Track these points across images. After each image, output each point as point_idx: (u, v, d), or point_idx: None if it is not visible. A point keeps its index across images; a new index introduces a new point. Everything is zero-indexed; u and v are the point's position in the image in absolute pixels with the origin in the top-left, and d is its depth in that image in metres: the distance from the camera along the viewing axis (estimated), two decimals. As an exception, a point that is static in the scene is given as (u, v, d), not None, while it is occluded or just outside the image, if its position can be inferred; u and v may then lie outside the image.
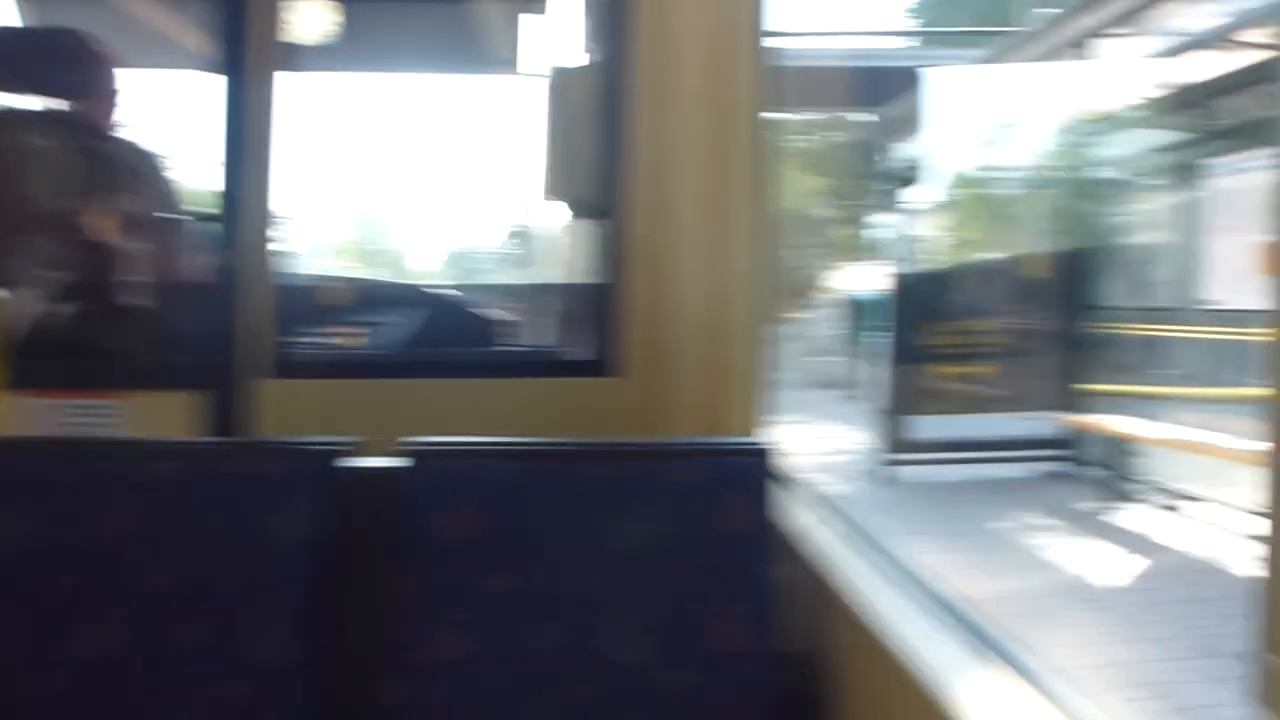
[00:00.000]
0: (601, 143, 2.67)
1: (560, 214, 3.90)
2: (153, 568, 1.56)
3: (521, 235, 3.90)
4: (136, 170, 2.99)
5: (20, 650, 1.52)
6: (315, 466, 1.62)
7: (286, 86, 2.64)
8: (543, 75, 3.72)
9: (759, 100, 2.34)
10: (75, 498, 1.58)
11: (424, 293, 3.86)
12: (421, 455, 1.65)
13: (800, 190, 19.38)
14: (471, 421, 1.83)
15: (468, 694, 1.55)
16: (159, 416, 2.53)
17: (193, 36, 3.69)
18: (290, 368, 2.63)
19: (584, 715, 1.54)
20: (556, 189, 3.10)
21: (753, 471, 1.62)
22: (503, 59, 3.91)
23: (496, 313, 3.24)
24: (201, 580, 1.57)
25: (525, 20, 3.85)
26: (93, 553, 1.56)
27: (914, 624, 1.41)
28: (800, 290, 18.23)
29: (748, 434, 2.13)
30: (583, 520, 1.59)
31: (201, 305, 2.67)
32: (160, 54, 3.85)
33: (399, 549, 1.59)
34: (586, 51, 3.35)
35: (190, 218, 3.04)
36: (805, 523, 1.77)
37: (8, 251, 2.82)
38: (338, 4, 3.20)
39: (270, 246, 2.62)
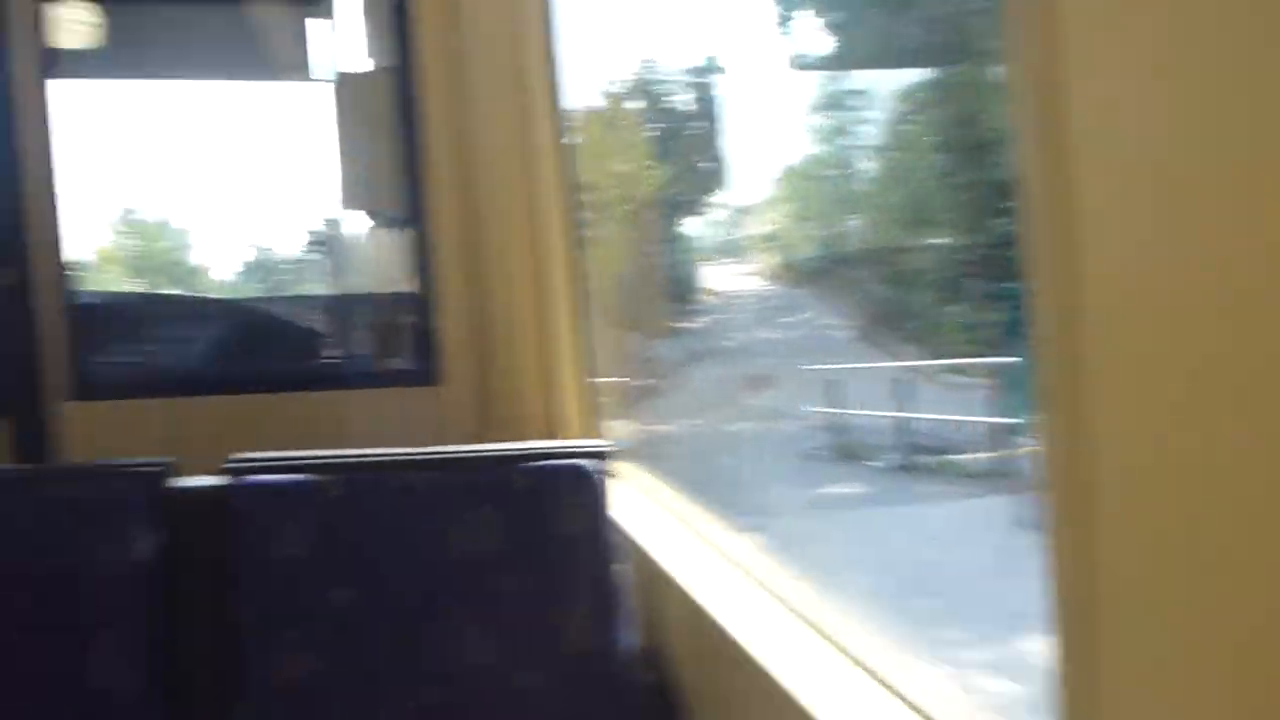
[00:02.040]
0: (397, 149, 2.66)
1: (364, 223, 3.86)
2: None
3: (326, 245, 3.81)
4: None
5: None
6: (138, 489, 1.58)
7: (63, 95, 2.53)
8: (331, 81, 3.67)
9: (557, 97, 2.39)
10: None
11: (233, 305, 3.74)
12: (248, 472, 1.63)
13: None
14: (293, 436, 1.81)
15: (317, 711, 1.55)
16: None
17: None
18: (94, 389, 2.52)
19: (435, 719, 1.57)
20: (354, 198, 3.07)
21: (589, 472, 1.66)
22: (292, 64, 3.82)
23: (310, 324, 3.18)
24: (29, 611, 1.51)
25: (312, 24, 3.77)
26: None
27: (744, 606, 1.49)
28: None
29: (583, 436, 2.19)
30: (420, 529, 1.60)
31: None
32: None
33: (233, 569, 1.57)
34: (371, 56, 3.33)
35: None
36: (643, 517, 1.83)
37: None
38: (110, 7, 3.07)
39: (60, 264, 2.51)
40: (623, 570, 1.67)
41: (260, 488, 1.60)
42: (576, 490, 1.64)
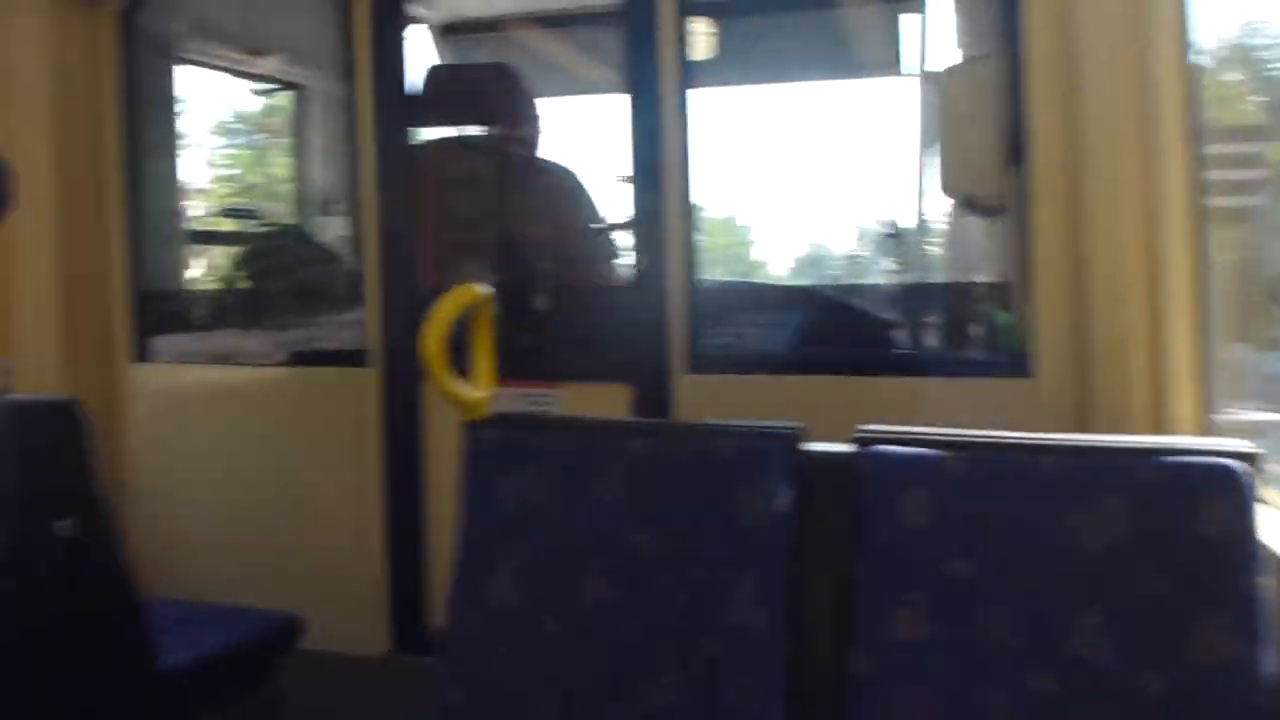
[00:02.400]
0: (997, 138, 2.64)
1: (942, 212, 3.89)
2: (636, 531, 1.75)
3: (903, 235, 3.91)
4: (562, 187, 3.31)
5: (534, 592, 1.77)
6: (778, 448, 1.75)
7: (692, 101, 2.84)
8: (926, 74, 3.74)
9: (1184, 66, 2.22)
10: (573, 467, 1.81)
11: (820, 293, 3.98)
12: (875, 442, 1.73)
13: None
14: (878, 419, 1.88)
15: (928, 674, 1.61)
16: (592, 406, 2.79)
17: (597, 65, 4.04)
18: (705, 363, 2.81)
19: (1045, 707, 1.55)
20: (950, 185, 3.10)
21: (1235, 472, 1.54)
22: (884, 61, 3.96)
23: (890, 311, 3.30)
24: (677, 545, 1.74)
25: (905, 21, 3.88)
26: (586, 515, 1.78)
27: None
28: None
29: (1196, 431, 2.05)
30: (1041, 513, 1.59)
31: (625, 307, 2.92)
32: (572, 82, 4.23)
33: (856, 530, 1.68)
34: (964, 48, 3.33)
35: (612, 227, 3.33)
36: None
37: (458, 262, 3.22)
38: (732, 21, 3.38)
39: (685, 252, 2.82)
40: (1267, 585, 1.53)
41: (888, 457, 1.70)
42: (1219, 490, 1.53)
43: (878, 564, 1.67)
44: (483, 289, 1.91)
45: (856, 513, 1.70)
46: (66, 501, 2.19)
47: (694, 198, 2.83)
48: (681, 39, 2.80)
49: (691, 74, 2.83)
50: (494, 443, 1.86)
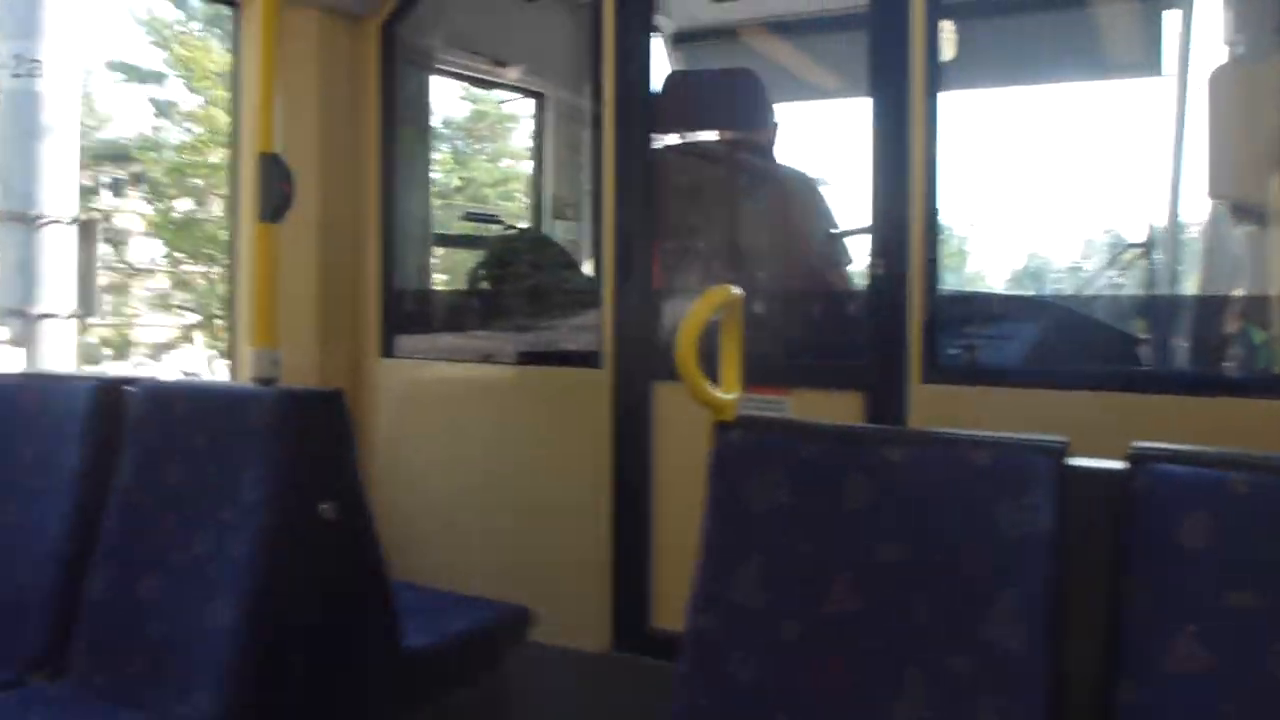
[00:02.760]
0: (1271, 141, 2.45)
1: (1198, 221, 3.64)
2: (884, 540, 1.70)
3: (1154, 244, 3.67)
4: (797, 192, 3.28)
5: (776, 597, 1.75)
6: (1044, 461, 1.66)
7: (935, 104, 2.74)
8: (1191, 74, 3.50)
9: None
10: (820, 472, 1.77)
11: (1064, 304, 3.80)
12: (1151, 461, 1.62)
13: None
14: (1123, 434, 1.75)
15: (1204, 710, 1.48)
16: (822, 412, 2.75)
17: (834, 69, 4.00)
18: (944, 373, 2.71)
19: None
20: (1217, 189, 2.89)
21: None
22: (1142, 61, 3.74)
23: (1139, 326, 3.10)
24: (928, 557, 1.67)
25: (1167, 19, 3.65)
26: (833, 521, 1.74)
27: None
28: None
29: None
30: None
31: (860, 313, 2.86)
32: (807, 87, 4.20)
33: (1127, 551, 1.57)
34: (1232, 46, 3.10)
35: (848, 233, 3.28)
36: None
37: (690, 267, 3.24)
38: (982, 22, 3.27)
39: (927, 259, 2.73)
40: None
41: (1168, 476, 1.58)
42: None
43: (1152, 589, 1.55)
44: (735, 291, 1.90)
45: (1129, 533, 1.59)
46: (329, 486, 2.32)
47: (939, 204, 2.74)
48: (931, 41, 2.71)
49: (940, 77, 2.74)
50: (741, 445, 1.85)
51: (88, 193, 24.24)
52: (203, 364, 21.13)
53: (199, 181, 22.79)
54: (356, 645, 2.43)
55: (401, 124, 3.63)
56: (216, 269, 23.08)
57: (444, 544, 3.39)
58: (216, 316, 23.40)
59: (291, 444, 2.27)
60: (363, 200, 3.59)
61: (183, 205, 23.46)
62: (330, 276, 3.53)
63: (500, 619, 2.93)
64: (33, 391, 2.73)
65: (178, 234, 23.67)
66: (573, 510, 3.19)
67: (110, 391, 2.62)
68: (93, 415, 2.60)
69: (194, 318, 24.01)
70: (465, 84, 4.36)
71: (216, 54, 22.43)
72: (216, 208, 23.02)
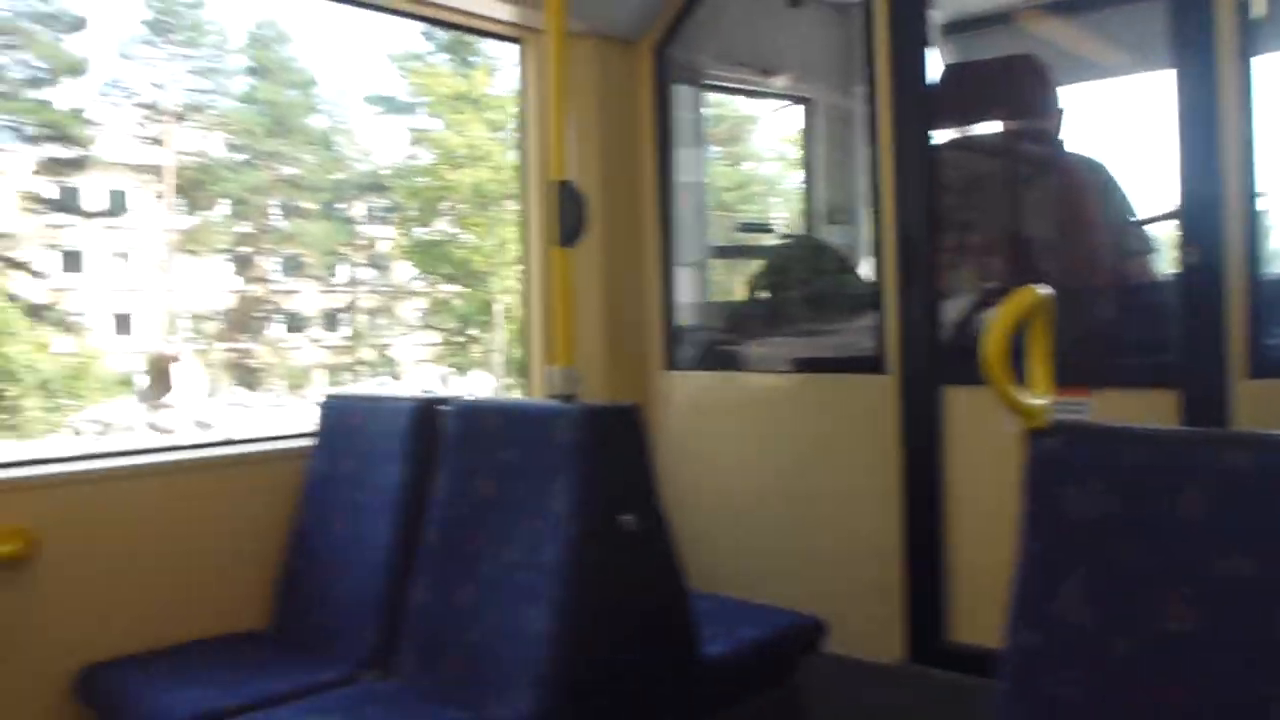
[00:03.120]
0: None
1: None
2: (1229, 554, 1.57)
3: None
4: (1089, 180, 3.10)
5: (1104, 613, 1.65)
6: None
7: (1249, 69, 2.50)
8: None
9: None
10: (1150, 480, 1.66)
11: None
12: None
13: None
14: None
15: None
16: (1129, 413, 2.57)
17: (1122, 46, 3.75)
18: (1273, 367, 2.48)
19: None
20: None
21: None
22: None
23: None
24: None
25: None
26: (1166, 533, 1.62)
27: None
28: None
29: None
30: None
31: (1169, 305, 2.65)
32: (1091, 67, 3.96)
33: None
34: None
35: (1149, 220, 3.06)
36: None
37: (974, 265, 3.12)
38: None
39: (1247, 242, 2.50)
40: None
41: None
42: None
43: None
44: (1044, 291, 1.81)
45: None
46: (629, 497, 2.40)
47: (1259, 180, 2.50)
48: (1242, 1, 2.48)
49: (1253, 39, 2.49)
50: (1058, 453, 1.75)
51: (352, 222, 26.46)
52: (437, 381, 22.47)
53: (436, 204, 24.31)
54: (656, 652, 2.49)
55: (676, 141, 3.72)
56: (456, 289, 24.68)
57: (731, 552, 3.43)
58: (457, 335, 24.86)
59: (594, 457, 2.36)
60: (642, 217, 3.70)
61: (428, 227, 25.17)
62: (614, 293, 3.65)
63: (794, 628, 2.93)
64: (358, 412, 2.99)
65: (420, 256, 25.37)
66: (861, 519, 3.15)
67: (427, 411, 2.83)
68: (411, 433, 2.81)
69: (435, 336, 25.61)
70: (735, 95, 4.39)
71: (448, 79, 23.94)
72: (450, 229, 24.53)
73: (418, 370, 24.68)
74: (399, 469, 2.81)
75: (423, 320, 26.61)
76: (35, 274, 23.00)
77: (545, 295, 3.59)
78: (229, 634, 2.87)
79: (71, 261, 24.16)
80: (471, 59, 24.72)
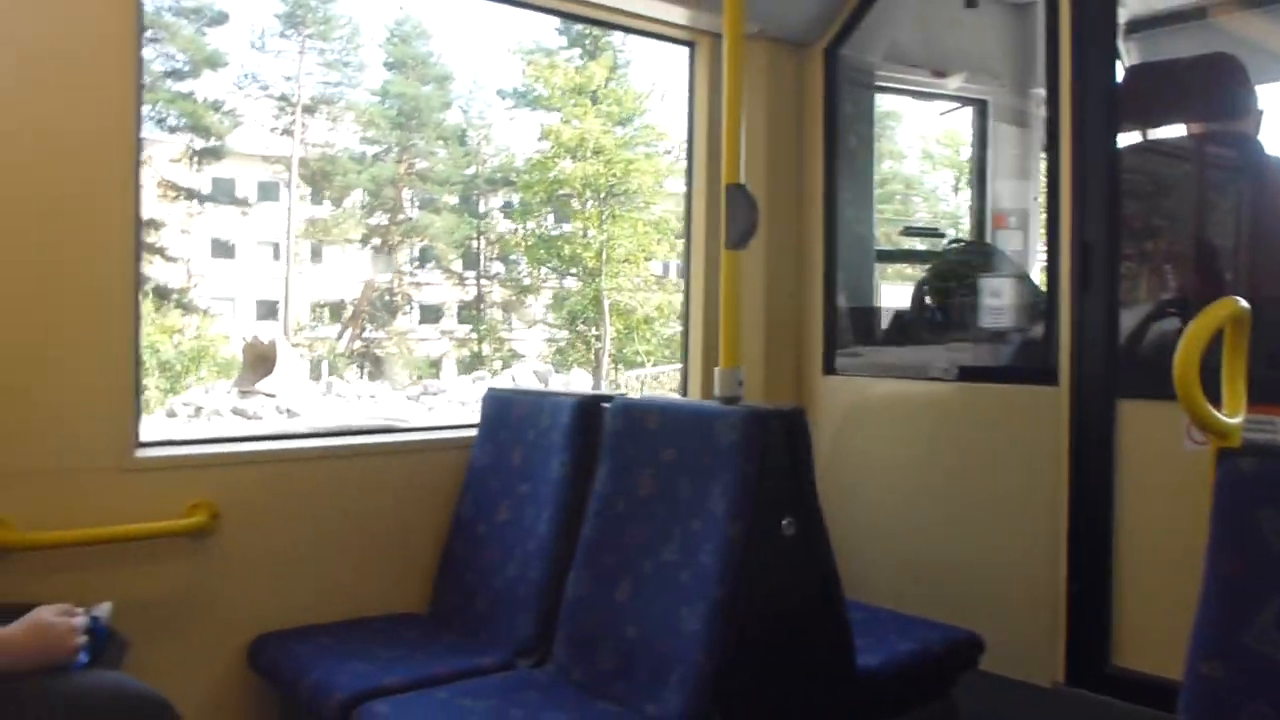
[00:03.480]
0: None
1: None
2: None
3: None
4: None
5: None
6: None
7: None
8: None
9: None
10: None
11: None
12: None
13: None
14: None
15: None
16: None
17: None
18: None
19: None
20: None
21: None
22: None
23: None
24: None
25: None
26: None
27: None
28: None
29: None
30: None
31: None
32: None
33: None
34: None
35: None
36: None
37: (1158, 274, 2.98)
38: None
39: None
40: None
41: None
42: None
43: None
44: (1241, 303, 1.72)
45: None
46: (789, 501, 2.38)
47: None
48: None
49: None
50: (1255, 475, 1.66)
51: (480, 216, 26.84)
52: (533, 376, 22.55)
53: (550, 198, 24.40)
54: (810, 660, 2.46)
55: (844, 143, 3.67)
56: (571, 284, 24.76)
57: (886, 562, 3.37)
58: (568, 330, 24.82)
59: (756, 460, 2.35)
60: (808, 220, 3.67)
61: (539, 221, 25.29)
62: (775, 296, 3.64)
63: (950, 643, 2.85)
64: (523, 405, 3.06)
65: (531, 250, 25.58)
66: (1023, 534, 3.05)
67: (589, 407, 2.87)
68: (574, 428, 2.86)
69: (549, 332, 25.72)
70: (905, 97, 4.31)
71: (566, 73, 24.06)
72: (562, 224, 24.56)
73: (521, 366, 24.84)
74: (561, 462, 2.85)
75: (537, 316, 26.89)
76: (170, 259, 24.22)
77: (707, 297, 3.59)
78: (390, 614, 2.98)
79: (208, 248, 25.37)
80: (600, 53, 24.86)
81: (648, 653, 2.41)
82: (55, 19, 2.43)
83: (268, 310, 25.77)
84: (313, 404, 20.07)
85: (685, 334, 3.75)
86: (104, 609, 1.97)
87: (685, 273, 3.73)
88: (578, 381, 23.57)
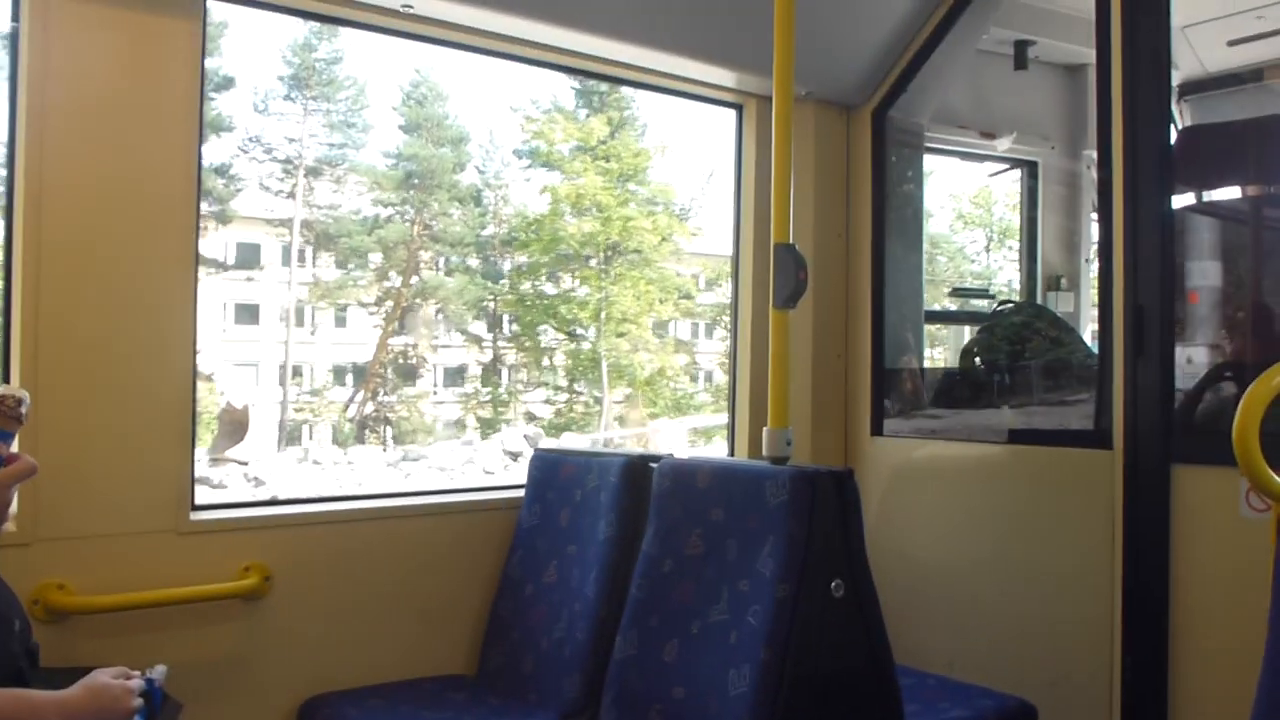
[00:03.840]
0: None
1: None
2: None
3: None
4: None
5: None
6: None
7: None
8: None
9: None
10: None
11: None
12: None
13: None
14: None
15: None
16: None
17: None
18: None
19: None
20: None
21: None
22: None
23: None
24: None
25: None
26: None
27: None
28: None
29: None
30: None
31: None
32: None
33: None
34: None
35: None
36: None
37: (1221, 335, 2.94)
38: None
39: None
40: None
41: None
42: None
43: None
44: None
45: None
46: (838, 563, 2.35)
47: None
48: None
49: None
50: None
51: (491, 277, 26.36)
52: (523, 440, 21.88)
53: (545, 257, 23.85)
54: (859, 724, 2.42)
55: (892, 205, 3.68)
56: (572, 345, 24.28)
57: (937, 627, 3.31)
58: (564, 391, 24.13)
59: (805, 520, 2.34)
60: (856, 281, 3.68)
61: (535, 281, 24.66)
62: (822, 356, 3.63)
63: (1002, 710, 2.79)
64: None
65: (528, 311, 24.97)
66: (1075, 601, 2.98)
67: (637, 467, 2.87)
68: (621, 488, 2.86)
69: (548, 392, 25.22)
70: (953, 159, 4.32)
71: (567, 129, 23.60)
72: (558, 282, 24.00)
73: (511, 430, 24.08)
74: (608, 523, 2.85)
75: (535, 377, 26.35)
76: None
77: (755, 356, 3.60)
78: (439, 676, 2.98)
79: (230, 313, 25.19)
80: (606, 109, 24.67)
81: (695, 715, 2.38)
82: (125, 72, 2.51)
83: (257, 374, 25.25)
84: (284, 471, 19.67)
85: (732, 393, 3.75)
86: (159, 671, 1.99)
87: (732, 332, 3.74)
88: (571, 443, 22.99)
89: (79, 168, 2.45)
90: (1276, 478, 1.67)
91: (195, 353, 2.68)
